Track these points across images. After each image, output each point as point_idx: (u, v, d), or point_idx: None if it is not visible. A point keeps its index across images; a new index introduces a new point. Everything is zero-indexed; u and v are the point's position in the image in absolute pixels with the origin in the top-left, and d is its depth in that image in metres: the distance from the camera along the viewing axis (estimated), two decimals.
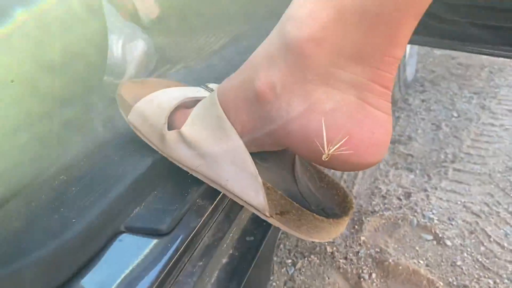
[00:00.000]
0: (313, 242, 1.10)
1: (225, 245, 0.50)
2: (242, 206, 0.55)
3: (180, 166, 0.49)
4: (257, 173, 0.42)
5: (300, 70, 0.37)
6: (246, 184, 0.43)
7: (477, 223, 1.11)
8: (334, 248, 1.07)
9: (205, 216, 0.49)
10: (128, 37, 0.89)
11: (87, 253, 0.42)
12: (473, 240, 1.06)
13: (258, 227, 0.54)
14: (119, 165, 0.51)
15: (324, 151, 0.36)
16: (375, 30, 0.34)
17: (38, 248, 0.39)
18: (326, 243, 1.09)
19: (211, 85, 0.56)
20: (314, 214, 0.41)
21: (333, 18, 0.35)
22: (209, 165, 0.45)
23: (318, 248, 1.08)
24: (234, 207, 0.54)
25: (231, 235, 0.52)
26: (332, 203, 0.46)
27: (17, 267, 0.37)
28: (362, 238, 1.09)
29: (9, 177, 0.52)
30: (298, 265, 1.04)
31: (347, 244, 1.08)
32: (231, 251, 0.50)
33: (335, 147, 0.36)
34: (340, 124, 0.37)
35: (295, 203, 0.41)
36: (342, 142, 0.36)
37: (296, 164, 0.51)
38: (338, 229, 0.43)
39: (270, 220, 0.43)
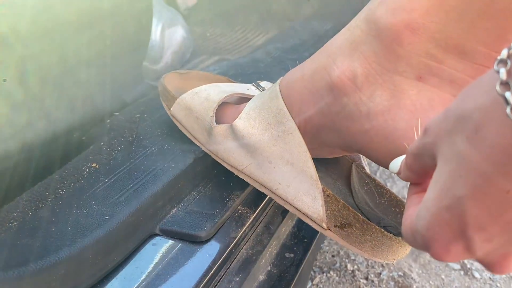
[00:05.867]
0: (332, 257, 1.05)
1: (263, 261, 0.45)
2: (283, 218, 0.50)
3: (225, 165, 0.44)
4: (317, 176, 0.37)
5: (390, 60, 0.33)
6: (302, 189, 0.38)
7: None
8: (355, 267, 1.02)
9: (246, 225, 0.44)
10: (168, 22, 0.84)
11: (118, 255, 0.37)
12: (503, 276, 1.00)
13: (299, 243, 0.49)
14: (157, 158, 0.46)
15: None
16: (484, 22, 0.30)
17: (66, 245, 0.34)
18: (347, 260, 1.04)
19: (262, 83, 0.51)
20: (382, 230, 0.36)
21: (435, 5, 0.31)
22: (260, 165, 0.40)
23: (338, 265, 1.03)
24: (275, 218, 0.49)
25: (270, 249, 0.47)
26: (395, 222, 0.41)
27: (41, 266, 0.32)
28: None
29: (37, 155, 0.48)
30: (316, 280, 0.99)
31: (369, 263, 1.03)
32: (269, 268, 0.46)
33: None
34: None
35: (360, 215, 0.36)
36: None
37: (353, 176, 0.46)
38: (404, 249, 0.38)
39: (327, 233, 0.38)
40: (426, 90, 0.32)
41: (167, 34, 0.83)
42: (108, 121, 0.55)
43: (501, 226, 0.20)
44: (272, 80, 0.48)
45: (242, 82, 0.55)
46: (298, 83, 0.38)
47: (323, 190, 0.37)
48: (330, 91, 0.36)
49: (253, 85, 0.50)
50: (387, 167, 0.33)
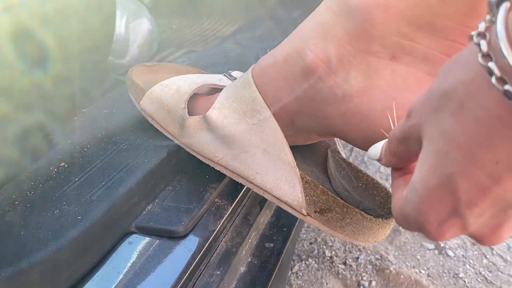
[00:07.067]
0: (310, 244, 1.06)
1: (243, 252, 0.45)
2: (261, 208, 0.50)
3: (200, 157, 0.43)
4: (295, 163, 0.37)
5: (363, 40, 0.32)
6: (280, 176, 0.37)
7: None
8: (333, 252, 1.03)
9: (225, 218, 0.43)
10: (132, 14, 0.82)
11: (92, 256, 0.36)
12: (475, 252, 1.03)
13: (278, 232, 0.49)
14: (128, 154, 0.44)
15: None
16: None
17: (38, 249, 0.33)
18: (325, 247, 1.04)
19: (234, 73, 0.50)
20: (362, 212, 0.36)
21: None
22: (236, 155, 0.39)
23: (316, 252, 1.03)
24: (253, 209, 0.49)
25: (249, 240, 0.46)
26: (374, 204, 0.41)
27: (11, 272, 0.31)
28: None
29: (2, 156, 0.45)
30: (295, 268, 0.99)
31: (346, 249, 1.04)
32: (249, 259, 0.45)
33: None
34: (408, 104, 0.32)
35: (340, 199, 0.36)
36: None
37: (329, 161, 0.46)
38: (385, 231, 0.38)
39: (308, 219, 0.37)
40: (400, 70, 0.32)
41: (132, 27, 0.81)
42: (76, 118, 0.54)
43: (492, 198, 0.19)
44: (243, 70, 0.47)
45: (212, 73, 0.53)
46: (271, 69, 0.38)
47: (301, 177, 0.37)
48: (304, 75, 0.35)
49: (224, 75, 0.49)
50: (365, 149, 0.33)
